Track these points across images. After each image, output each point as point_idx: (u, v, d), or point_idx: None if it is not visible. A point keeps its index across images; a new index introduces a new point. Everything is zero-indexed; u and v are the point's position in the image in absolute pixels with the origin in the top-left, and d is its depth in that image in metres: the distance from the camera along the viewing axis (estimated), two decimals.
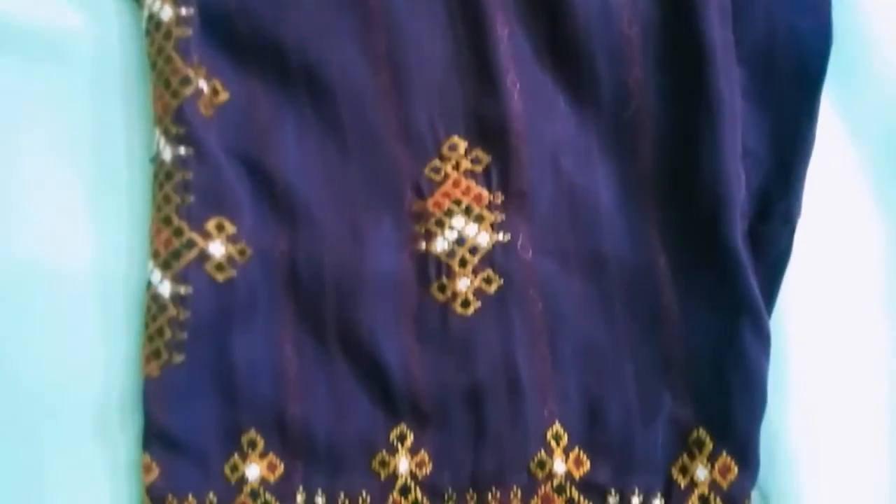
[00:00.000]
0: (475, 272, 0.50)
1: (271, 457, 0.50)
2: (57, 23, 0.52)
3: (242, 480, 0.49)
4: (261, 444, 0.50)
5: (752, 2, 0.50)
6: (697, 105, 0.49)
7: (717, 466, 0.49)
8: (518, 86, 0.50)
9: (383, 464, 0.50)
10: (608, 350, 0.50)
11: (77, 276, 0.51)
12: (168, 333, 0.48)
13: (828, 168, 0.51)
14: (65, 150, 0.51)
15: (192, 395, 0.48)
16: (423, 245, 0.51)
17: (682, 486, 0.49)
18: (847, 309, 0.50)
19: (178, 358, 0.48)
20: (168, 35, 0.49)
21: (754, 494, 0.49)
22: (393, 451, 0.50)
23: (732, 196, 0.48)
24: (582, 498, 0.50)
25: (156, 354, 0.48)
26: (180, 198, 0.48)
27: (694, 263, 0.49)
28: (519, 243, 0.50)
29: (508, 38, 0.50)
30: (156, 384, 0.48)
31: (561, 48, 0.51)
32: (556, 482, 0.50)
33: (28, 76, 0.52)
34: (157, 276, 0.48)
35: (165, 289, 0.48)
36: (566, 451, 0.50)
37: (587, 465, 0.50)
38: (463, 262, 0.50)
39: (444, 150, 0.51)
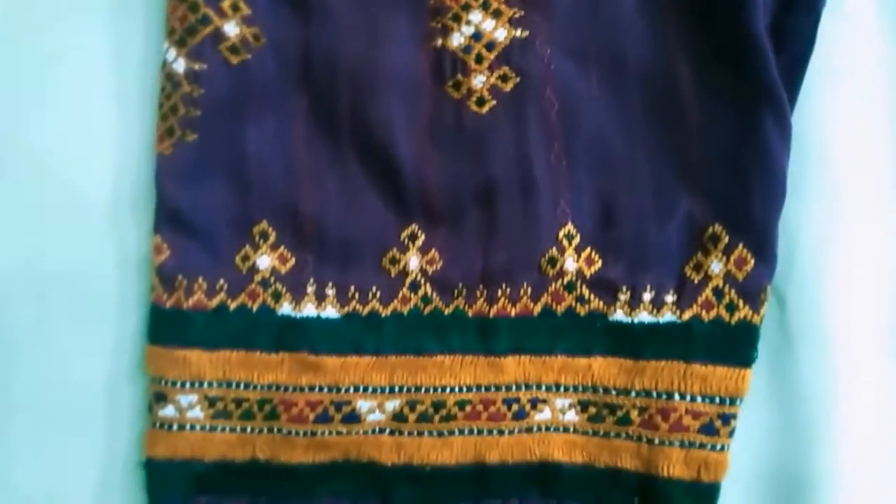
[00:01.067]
0: (491, 69, 0.50)
1: (282, 249, 0.50)
2: None
3: (253, 269, 0.49)
4: (272, 235, 0.50)
5: None
6: None
7: (732, 259, 0.48)
8: None
9: (394, 261, 0.50)
10: (624, 152, 0.49)
11: (91, 65, 0.51)
12: (182, 110, 0.48)
13: None
14: None
15: (205, 177, 0.49)
16: (438, 41, 0.50)
17: (696, 281, 0.48)
18: (871, 103, 0.49)
19: (192, 136, 0.48)
20: None
21: (770, 299, 0.48)
22: (404, 250, 0.50)
23: None
24: (592, 296, 0.49)
25: (169, 132, 0.48)
26: None
27: (715, 58, 0.48)
28: (537, 40, 0.50)
29: None
30: (168, 162, 0.48)
31: None
32: (566, 280, 0.49)
33: None
34: (172, 53, 0.48)
35: (180, 66, 0.48)
36: (578, 251, 0.49)
37: (599, 263, 0.49)
38: (479, 59, 0.50)
39: None
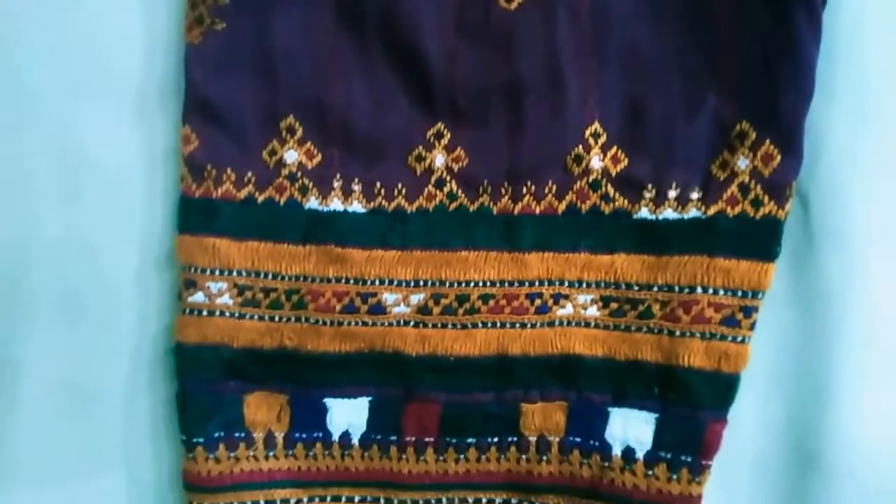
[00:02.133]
0: None
1: (309, 145, 0.50)
2: None
3: (280, 164, 0.50)
4: (299, 131, 0.50)
5: None
6: None
7: (759, 155, 0.48)
8: None
9: (419, 159, 0.50)
10: (653, 50, 0.49)
11: None
12: None
13: None
14: None
15: (233, 67, 0.49)
16: None
17: (722, 178, 0.48)
18: None
19: (220, 25, 0.48)
20: None
21: (794, 200, 0.48)
22: (430, 148, 0.50)
23: None
24: (617, 194, 0.49)
25: (198, 21, 0.49)
26: None
27: None
28: None
29: None
30: (197, 51, 0.49)
31: None
32: (591, 178, 0.49)
33: None
34: None
35: None
36: (604, 149, 0.49)
37: (625, 161, 0.49)
38: None
39: None
